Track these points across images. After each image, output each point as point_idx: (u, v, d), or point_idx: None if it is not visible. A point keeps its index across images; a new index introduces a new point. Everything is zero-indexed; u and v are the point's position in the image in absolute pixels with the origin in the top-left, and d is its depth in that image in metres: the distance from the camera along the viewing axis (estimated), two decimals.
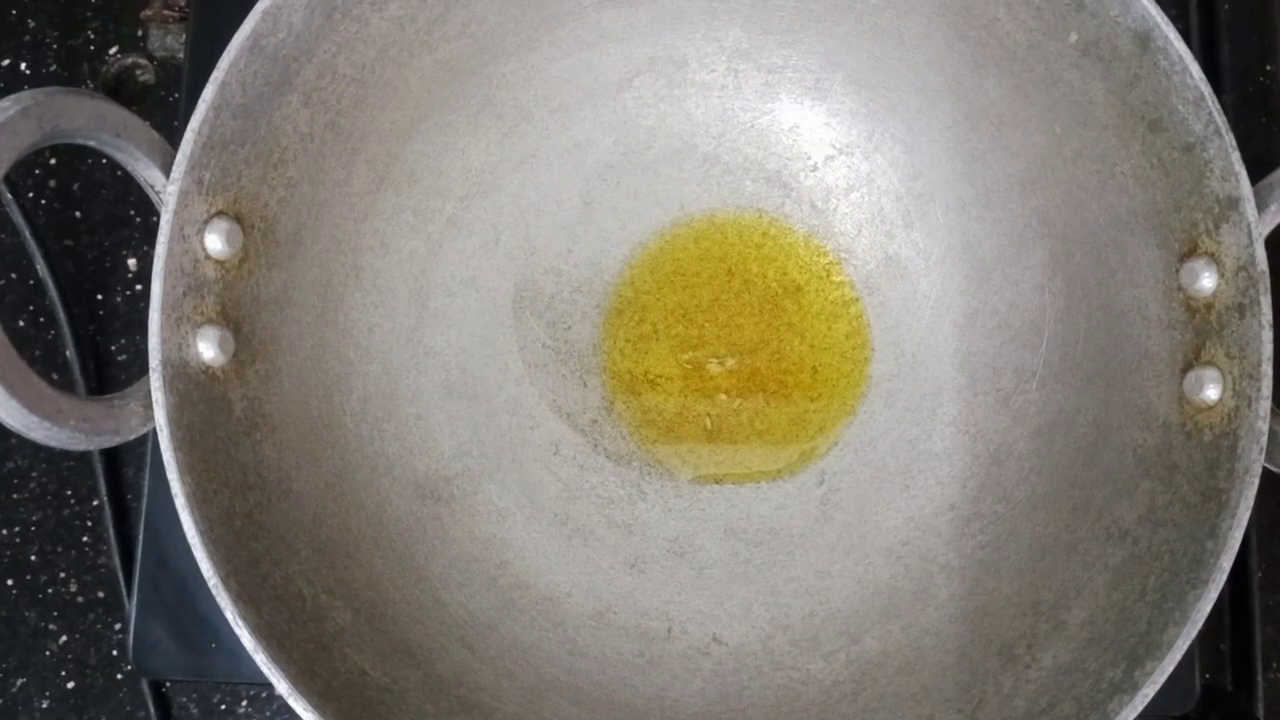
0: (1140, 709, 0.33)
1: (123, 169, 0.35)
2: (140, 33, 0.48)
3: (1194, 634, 0.33)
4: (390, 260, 0.41)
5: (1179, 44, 0.35)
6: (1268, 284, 0.34)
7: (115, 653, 0.45)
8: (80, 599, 0.45)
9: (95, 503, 0.45)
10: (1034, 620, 0.37)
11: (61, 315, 0.45)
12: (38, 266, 0.45)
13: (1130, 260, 0.38)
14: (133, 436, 0.33)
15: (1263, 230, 0.34)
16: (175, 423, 0.33)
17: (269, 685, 0.32)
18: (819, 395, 0.43)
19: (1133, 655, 0.34)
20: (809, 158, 0.44)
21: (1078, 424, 0.39)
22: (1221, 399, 0.35)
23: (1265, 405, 0.34)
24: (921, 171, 0.43)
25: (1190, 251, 0.36)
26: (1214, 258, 0.35)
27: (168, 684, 0.44)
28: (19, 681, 0.45)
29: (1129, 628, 0.34)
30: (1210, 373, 0.35)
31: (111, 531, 0.45)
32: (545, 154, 0.44)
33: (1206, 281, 0.35)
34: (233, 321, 0.36)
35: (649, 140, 0.44)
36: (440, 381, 0.42)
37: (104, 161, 0.47)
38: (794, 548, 0.42)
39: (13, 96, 0.31)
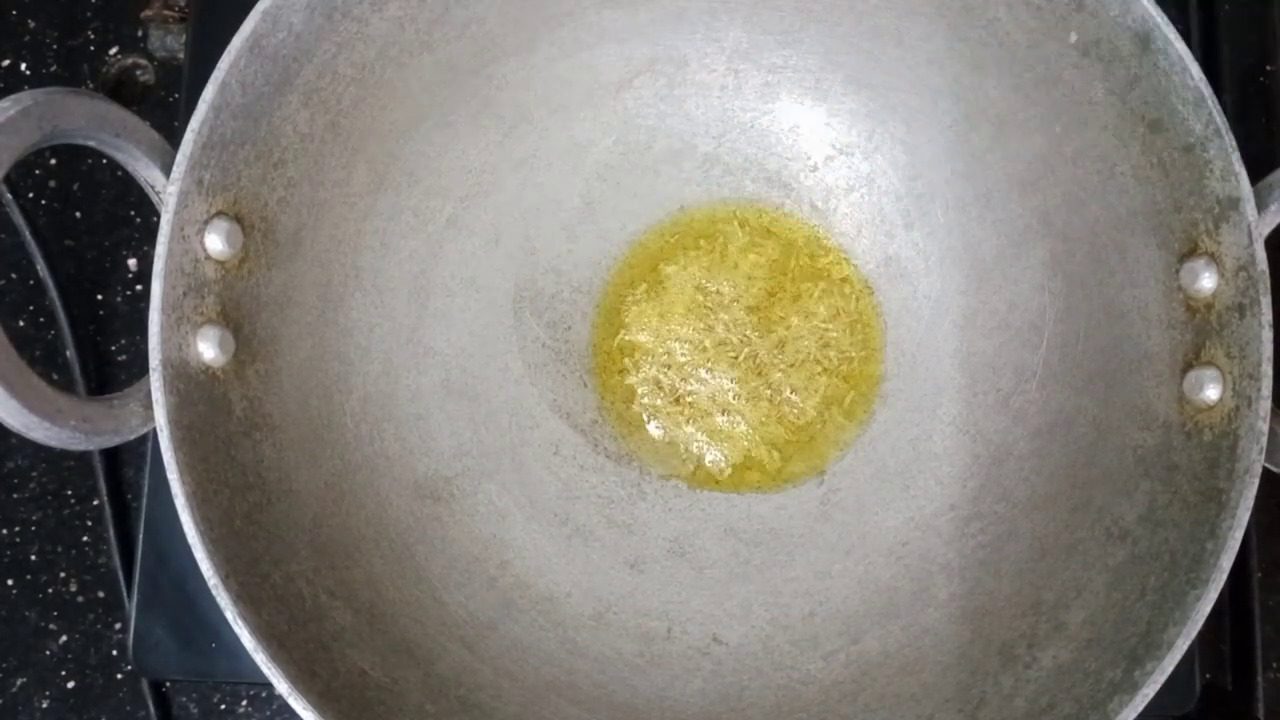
0: (1140, 709, 0.33)
1: (123, 169, 0.35)
2: (140, 33, 0.48)
3: (1194, 634, 0.33)
4: (390, 260, 0.41)
5: (1179, 44, 0.35)
6: (1268, 284, 0.34)
7: (115, 653, 0.45)
8: (80, 599, 0.45)
9: (95, 503, 0.45)
10: (1034, 620, 0.37)
11: (61, 315, 0.45)
12: (38, 266, 0.45)
13: (1130, 260, 0.38)
14: (133, 436, 0.33)
15: (1263, 230, 0.34)
16: (175, 423, 0.33)
17: (269, 685, 0.32)
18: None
19: (1133, 655, 0.34)
20: (809, 158, 0.44)
21: (1078, 424, 0.39)
22: (1221, 399, 0.35)
23: (1265, 405, 0.34)
24: (921, 171, 0.43)
25: (1190, 251, 0.36)
26: (1214, 258, 0.35)
27: (168, 684, 0.44)
28: (19, 681, 0.45)
29: (1129, 628, 0.34)
30: (1210, 373, 0.35)
31: (111, 531, 0.45)
32: (545, 154, 0.44)
33: (1206, 281, 0.35)
34: (233, 321, 0.36)
35: (649, 140, 0.44)
36: (440, 381, 0.42)
37: (104, 161, 0.47)
38: (794, 548, 0.42)
39: (13, 96, 0.31)
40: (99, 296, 0.47)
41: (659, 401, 0.43)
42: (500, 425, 0.43)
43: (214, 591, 0.32)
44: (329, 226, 0.39)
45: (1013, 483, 0.40)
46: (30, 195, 0.47)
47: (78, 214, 0.47)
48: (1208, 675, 0.44)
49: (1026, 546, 0.39)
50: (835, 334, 0.44)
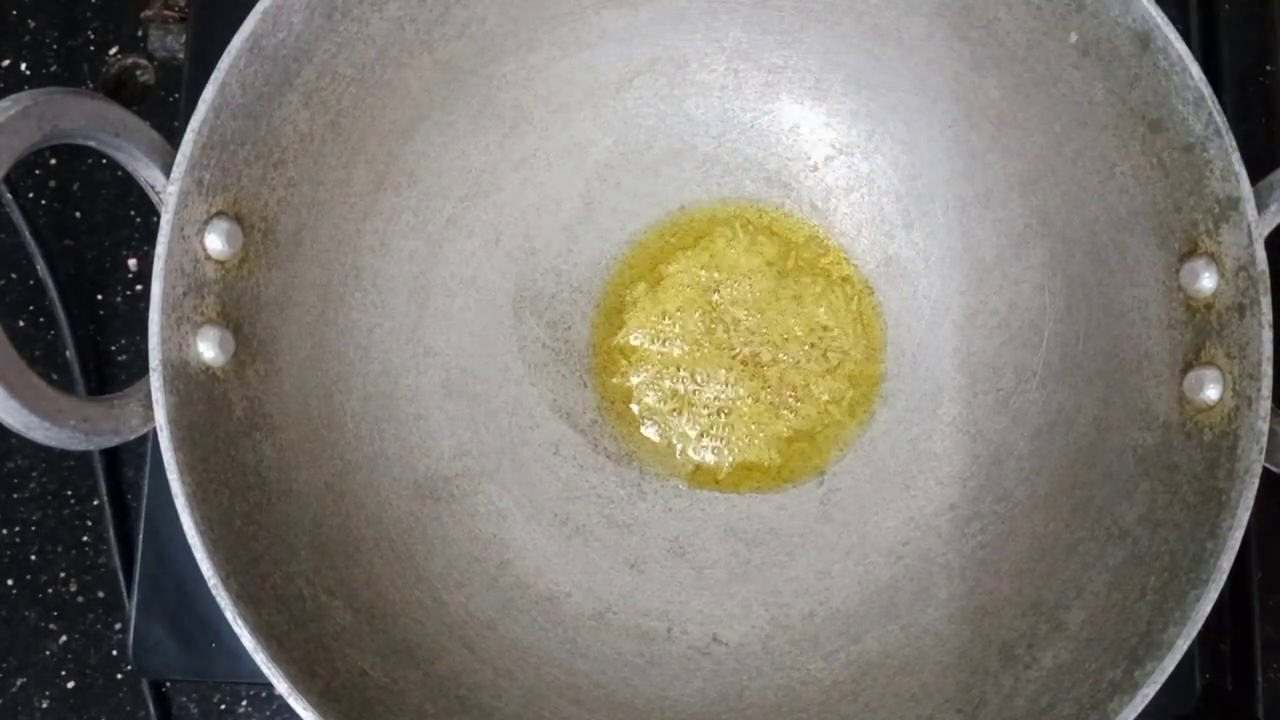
0: (1140, 709, 0.33)
1: (123, 169, 0.35)
2: (140, 33, 0.48)
3: (1194, 634, 0.33)
4: (390, 260, 0.41)
5: (1179, 44, 0.35)
6: (1268, 284, 0.34)
7: (115, 653, 0.45)
8: (80, 599, 0.45)
9: (95, 503, 0.45)
10: (1034, 620, 0.37)
11: (61, 315, 0.45)
12: (38, 266, 0.45)
13: (1130, 260, 0.38)
14: (133, 436, 0.33)
15: (1263, 230, 0.34)
16: (175, 423, 0.33)
17: (269, 685, 0.32)
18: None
19: (1133, 655, 0.34)
20: (809, 158, 0.44)
21: (1078, 424, 0.39)
22: (1221, 399, 0.35)
23: (1265, 405, 0.34)
24: (921, 171, 0.43)
25: (1190, 251, 0.36)
26: (1214, 258, 0.35)
27: (168, 684, 0.44)
28: (19, 681, 0.45)
29: (1129, 628, 0.34)
30: (1210, 373, 0.35)
31: (111, 531, 0.45)
32: (545, 154, 0.44)
33: (1206, 281, 0.35)
34: (233, 321, 0.36)
35: (649, 140, 0.44)
36: (440, 381, 0.42)
37: (104, 161, 0.47)
38: (794, 548, 0.42)
39: (13, 96, 0.31)
40: (99, 296, 0.47)
41: (659, 401, 0.43)
42: (500, 425, 0.43)
43: (214, 591, 0.32)
44: (329, 226, 0.39)
45: (1013, 483, 0.40)
46: (30, 195, 0.47)
47: (78, 214, 0.47)
48: (1208, 675, 0.44)
49: (1026, 546, 0.39)
50: (835, 334, 0.44)
